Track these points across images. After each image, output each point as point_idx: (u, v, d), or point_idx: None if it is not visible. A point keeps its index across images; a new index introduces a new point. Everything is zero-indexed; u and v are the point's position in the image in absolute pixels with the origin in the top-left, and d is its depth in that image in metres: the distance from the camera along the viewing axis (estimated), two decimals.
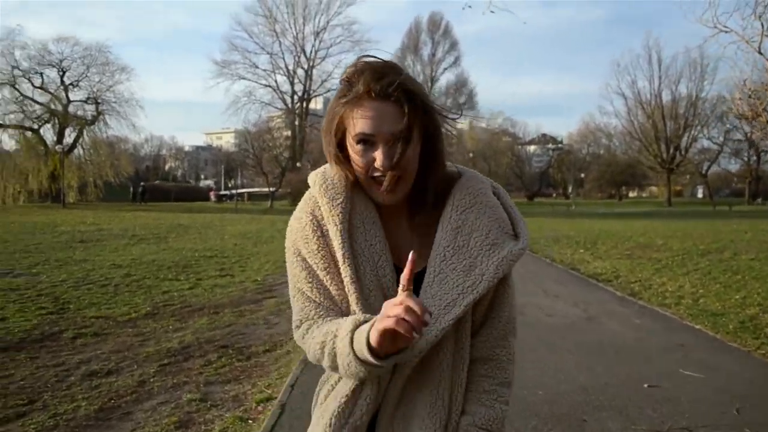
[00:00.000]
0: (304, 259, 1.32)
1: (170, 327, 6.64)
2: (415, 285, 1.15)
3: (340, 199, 1.28)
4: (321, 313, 1.32)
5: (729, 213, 39.56)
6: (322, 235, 1.30)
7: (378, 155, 1.21)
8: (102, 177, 43.91)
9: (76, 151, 44.49)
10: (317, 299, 1.32)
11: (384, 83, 1.18)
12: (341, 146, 1.29)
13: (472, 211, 1.28)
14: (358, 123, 1.21)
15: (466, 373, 1.31)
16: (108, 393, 4.52)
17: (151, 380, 4.82)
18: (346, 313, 1.30)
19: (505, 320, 1.33)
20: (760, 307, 7.54)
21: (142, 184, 55.98)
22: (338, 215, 1.27)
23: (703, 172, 68.19)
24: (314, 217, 1.31)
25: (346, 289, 1.27)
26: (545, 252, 15.00)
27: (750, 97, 10.94)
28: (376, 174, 1.23)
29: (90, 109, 45.64)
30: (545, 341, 5.83)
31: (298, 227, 1.34)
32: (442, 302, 1.22)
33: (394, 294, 1.11)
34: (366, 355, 1.13)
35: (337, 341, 1.21)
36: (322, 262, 1.29)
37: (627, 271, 11.28)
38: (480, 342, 1.32)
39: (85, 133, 44.65)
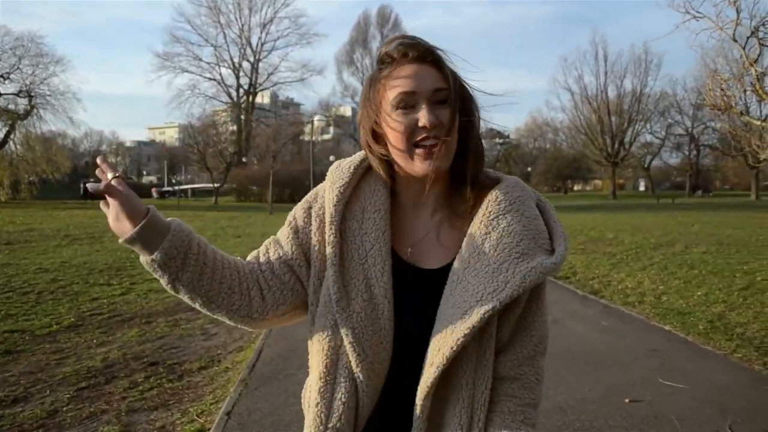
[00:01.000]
0: (290, 230, 1.31)
1: (94, 341, 5.93)
2: (437, 283, 1.20)
3: (341, 183, 1.25)
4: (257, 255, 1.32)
5: (672, 205, 40.33)
6: (318, 212, 1.28)
7: (422, 114, 1.16)
8: (37, 174, 41.91)
9: (7, 147, 42.23)
10: (270, 256, 1.30)
11: (420, 47, 1.19)
12: (375, 134, 1.25)
13: (506, 217, 1.19)
14: (397, 85, 1.17)
15: (490, 392, 1.19)
16: (10, 428, 3.83)
17: (64, 409, 4.14)
18: (287, 285, 1.29)
19: (536, 340, 1.23)
20: (724, 305, 7.28)
21: (91, 180, 53.77)
22: (335, 197, 1.24)
23: (646, 165, 69.84)
24: (317, 194, 1.31)
25: (326, 273, 1.22)
26: None
27: (722, 88, 10.71)
28: (419, 138, 1.17)
29: (22, 103, 43.32)
30: None
31: (302, 201, 1.34)
32: (461, 310, 1.13)
33: (380, 286, 1.18)
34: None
35: None
36: (302, 233, 1.29)
37: (583, 266, 11.00)
38: (507, 360, 1.21)
39: (17, 127, 42.43)
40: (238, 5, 63.17)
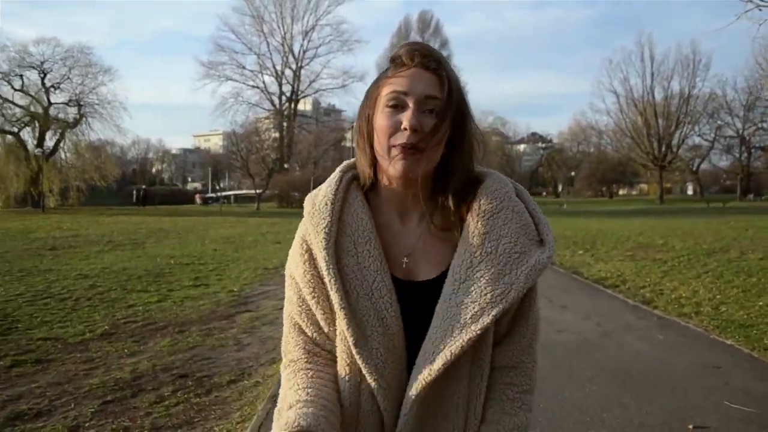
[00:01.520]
0: (296, 284, 1.27)
1: (126, 350, 5.78)
2: (430, 293, 1.20)
3: (324, 224, 1.21)
4: (304, 357, 1.27)
5: (723, 210, 38.96)
6: (311, 259, 1.24)
7: (406, 115, 1.16)
8: (85, 180, 42.83)
9: (57, 154, 43.30)
10: (306, 331, 1.27)
11: (427, 54, 1.19)
12: (369, 131, 1.24)
13: (499, 217, 1.21)
14: (392, 83, 1.19)
15: (486, 382, 1.24)
16: None
17: (87, 425, 3.96)
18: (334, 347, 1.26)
19: (532, 328, 1.27)
20: None
21: (143, 187, 55.32)
22: (322, 240, 1.20)
23: (694, 168, 67.91)
24: (304, 242, 1.26)
25: (336, 316, 1.20)
26: None
27: None
28: (400, 140, 1.16)
29: (72, 112, 44.41)
30: (559, 366, 4.99)
31: (292, 252, 1.30)
32: (468, 312, 1.15)
33: (392, 316, 1.18)
34: None
35: (277, 421, 1.13)
36: (308, 287, 1.24)
37: (633, 274, 10.50)
38: (506, 351, 1.25)
39: (66, 136, 43.49)
40: (281, 14, 63.98)
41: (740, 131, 60.01)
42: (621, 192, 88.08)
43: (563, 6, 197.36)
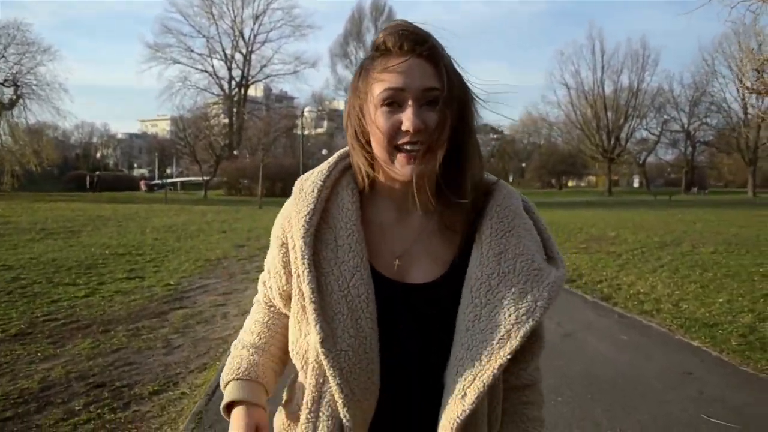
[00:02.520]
0: (276, 249, 1.22)
1: (39, 354, 5.13)
2: (422, 297, 1.14)
3: (306, 210, 1.13)
4: (265, 304, 1.33)
5: (670, 202, 39.72)
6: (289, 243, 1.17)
7: (406, 116, 1.06)
8: (22, 165, 40.92)
9: None
10: (272, 289, 1.26)
11: (417, 38, 1.08)
12: (362, 128, 1.15)
13: (513, 235, 1.13)
14: (385, 80, 1.08)
15: (501, 405, 1.18)
16: None
17: None
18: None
19: (541, 344, 1.19)
20: (752, 314, 6.54)
21: (97, 173, 53.65)
22: (301, 228, 1.12)
23: (641, 162, 69.29)
24: (288, 221, 1.18)
25: (306, 311, 1.10)
26: None
27: (758, 70, 9.89)
28: (402, 141, 1.08)
29: (8, 92, 42.27)
30: None
31: (277, 223, 1.23)
32: (495, 336, 1.05)
33: (366, 317, 1.08)
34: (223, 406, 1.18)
35: (226, 367, 1.25)
36: (281, 271, 1.20)
37: (589, 268, 10.25)
38: (521, 370, 1.19)
39: (2, 117, 41.38)
40: None
41: (686, 126, 61.40)
42: (570, 183, 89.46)
43: None
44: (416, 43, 1.07)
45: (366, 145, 1.14)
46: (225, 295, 7.83)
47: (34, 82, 41.90)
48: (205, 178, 48.17)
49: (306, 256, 1.10)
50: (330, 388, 1.09)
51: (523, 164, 77.08)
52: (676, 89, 60.74)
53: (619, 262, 10.94)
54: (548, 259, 1.15)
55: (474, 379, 1.05)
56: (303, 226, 1.11)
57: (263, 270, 1.29)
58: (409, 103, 1.06)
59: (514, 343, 1.05)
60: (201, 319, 6.54)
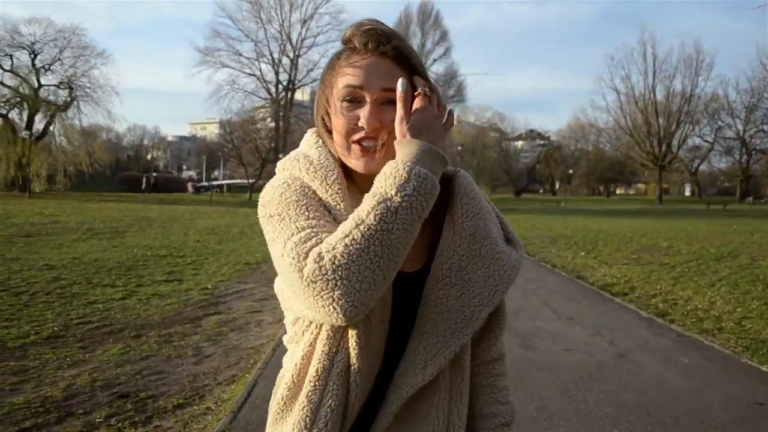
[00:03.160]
0: (310, 199, 1.09)
1: (68, 359, 4.99)
2: (414, 284, 1.16)
3: (333, 176, 1.12)
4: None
5: (723, 212, 38.32)
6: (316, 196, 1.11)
7: (363, 113, 1.10)
8: (75, 165, 41.89)
9: (46, 138, 42.26)
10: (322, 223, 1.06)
11: (382, 38, 1.11)
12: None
13: (481, 217, 1.21)
14: (347, 75, 1.12)
15: (468, 381, 1.25)
16: None
17: None
18: None
19: (504, 317, 1.29)
20: None
21: (154, 174, 54.81)
22: (338, 192, 1.10)
23: (693, 169, 67.30)
24: (298, 179, 1.13)
25: None
26: (543, 255, 13.44)
27: None
28: (358, 136, 1.11)
29: (63, 95, 43.38)
30: (572, 398, 4.17)
31: (279, 189, 1.12)
32: (460, 315, 1.15)
33: (380, 304, 1.10)
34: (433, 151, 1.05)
35: (373, 191, 1.01)
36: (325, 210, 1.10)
37: (641, 280, 9.74)
38: (489, 345, 1.30)
39: (56, 119, 42.45)
40: (279, 1, 62.71)
41: (741, 133, 59.34)
42: (618, 191, 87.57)
43: (564, 2, 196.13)
44: (381, 43, 1.10)
45: (331, 134, 1.17)
46: (261, 301, 7.64)
47: (88, 85, 42.91)
48: (250, 180, 48.57)
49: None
50: (342, 357, 1.10)
51: (570, 171, 75.69)
52: (732, 95, 58.98)
53: (673, 274, 10.38)
54: (507, 240, 1.25)
55: (437, 353, 1.13)
56: (338, 190, 1.11)
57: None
58: (368, 101, 1.10)
59: (476, 323, 1.15)
60: (235, 326, 6.34)
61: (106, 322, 6.27)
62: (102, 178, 54.30)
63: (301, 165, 1.15)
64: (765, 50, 50.77)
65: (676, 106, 57.17)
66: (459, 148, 49.15)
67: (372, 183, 1.04)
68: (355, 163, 1.12)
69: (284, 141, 57.35)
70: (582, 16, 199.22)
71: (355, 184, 1.17)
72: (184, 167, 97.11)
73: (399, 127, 1.06)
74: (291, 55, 64.21)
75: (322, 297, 0.95)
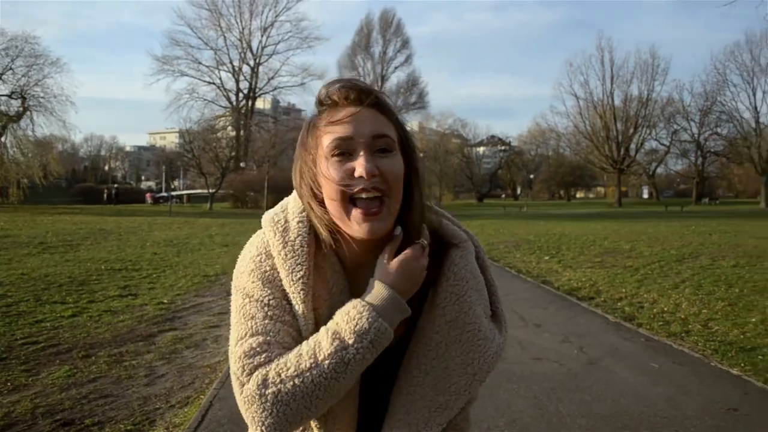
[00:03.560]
0: (269, 286, 1.11)
1: (9, 384, 4.66)
2: (393, 353, 1.11)
3: (301, 271, 1.08)
4: (283, 339, 1.08)
5: (681, 214, 39.03)
6: (276, 280, 1.11)
7: (359, 162, 1.05)
8: (29, 177, 40.67)
9: None
10: (281, 333, 1.08)
11: (361, 90, 1.10)
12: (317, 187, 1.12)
13: (465, 301, 1.15)
14: (334, 130, 1.08)
15: None
16: None
17: None
18: None
19: (473, 402, 1.23)
20: None
21: (115, 185, 53.63)
22: (300, 292, 1.08)
23: (651, 172, 68.59)
24: (269, 257, 1.13)
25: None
26: (507, 260, 13.38)
27: None
28: (356, 189, 1.05)
29: (15, 105, 42.04)
30: (544, 410, 4.00)
31: (247, 267, 1.15)
32: (434, 404, 1.12)
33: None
34: (393, 302, 1.05)
35: (334, 330, 1.03)
36: (286, 301, 1.11)
37: (606, 284, 9.71)
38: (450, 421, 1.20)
39: (8, 130, 41.14)
40: (239, 8, 62.19)
41: (696, 136, 60.70)
42: (578, 195, 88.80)
43: (525, 9, 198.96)
44: (362, 93, 1.09)
45: (321, 204, 1.11)
46: (219, 315, 7.33)
47: (41, 95, 41.60)
48: (210, 190, 47.85)
49: (310, 321, 1.09)
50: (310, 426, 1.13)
51: (531, 176, 76.47)
52: (687, 99, 60.02)
53: (637, 277, 10.38)
54: (492, 315, 1.21)
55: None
56: (302, 289, 1.08)
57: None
58: (361, 152, 1.06)
59: (451, 413, 1.13)
60: (190, 342, 6.04)
61: (53, 342, 5.92)
62: (57, 190, 52.95)
63: (277, 240, 1.12)
64: (717, 55, 52.09)
65: (633, 110, 58.18)
66: (422, 154, 49.17)
67: (359, 253, 1.12)
68: (357, 229, 1.07)
69: (245, 149, 56.78)
70: (541, 24, 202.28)
71: (348, 254, 1.14)
72: (143, 177, 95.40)
73: (381, 264, 1.08)
74: (251, 63, 63.83)
75: (253, 417, 1.01)
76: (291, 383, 0.99)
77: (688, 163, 66.11)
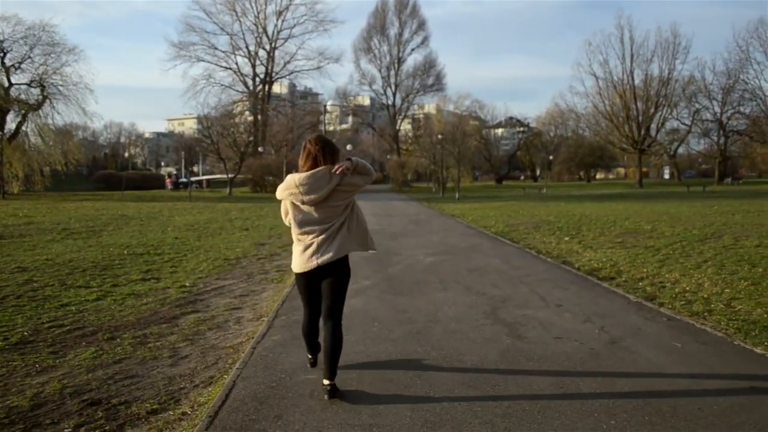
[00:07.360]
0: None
1: (37, 365, 4.75)
2: None
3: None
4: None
5: (704, 193, 38.54)
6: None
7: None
8: (51, 165, 41.11)
9: (20, 137, 41.34)
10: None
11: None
12: None
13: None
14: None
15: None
16: None
17: None
18: None
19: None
20: None
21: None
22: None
23: (672, 152, 67.62)
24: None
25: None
26: (527, 241, 13.31)
27: None
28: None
29: (35, 93, 42.35)
30: (564, 387, 4.00)
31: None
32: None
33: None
34: None
35: None
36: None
37: (627, 264, 9.63)
38: None
39: (29, 118, 41.54)
40: None
41: (718, 115, 59.68)
42: (598, 176, 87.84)
43: None
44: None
45: None
46: (241, 297, 7.41)
47: (60, 83, 41.88)
48: (229, 175, 48.04)
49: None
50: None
51: (551, 157, 75.75)
52: (709, 77, 58.90)
53: (658, 257, 10.29)
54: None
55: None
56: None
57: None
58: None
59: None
60: (213, 324, 6.11)
61: (78, 325, 6.02)
62: (79, 177, 53.52)
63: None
64: (740, 31, 51.01)
65: (654, 89, 57.15)
66: (440, 136, 48.79)
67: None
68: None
69: (263, 134, 56.83)
70: (559, 3, 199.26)
71: None
72: (163, 164, 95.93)
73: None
74: (267, 47, 63.69)
75: None
76: None
77: (710, 142, 65.07)
